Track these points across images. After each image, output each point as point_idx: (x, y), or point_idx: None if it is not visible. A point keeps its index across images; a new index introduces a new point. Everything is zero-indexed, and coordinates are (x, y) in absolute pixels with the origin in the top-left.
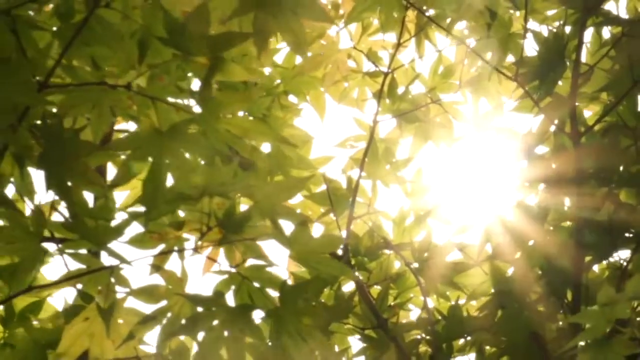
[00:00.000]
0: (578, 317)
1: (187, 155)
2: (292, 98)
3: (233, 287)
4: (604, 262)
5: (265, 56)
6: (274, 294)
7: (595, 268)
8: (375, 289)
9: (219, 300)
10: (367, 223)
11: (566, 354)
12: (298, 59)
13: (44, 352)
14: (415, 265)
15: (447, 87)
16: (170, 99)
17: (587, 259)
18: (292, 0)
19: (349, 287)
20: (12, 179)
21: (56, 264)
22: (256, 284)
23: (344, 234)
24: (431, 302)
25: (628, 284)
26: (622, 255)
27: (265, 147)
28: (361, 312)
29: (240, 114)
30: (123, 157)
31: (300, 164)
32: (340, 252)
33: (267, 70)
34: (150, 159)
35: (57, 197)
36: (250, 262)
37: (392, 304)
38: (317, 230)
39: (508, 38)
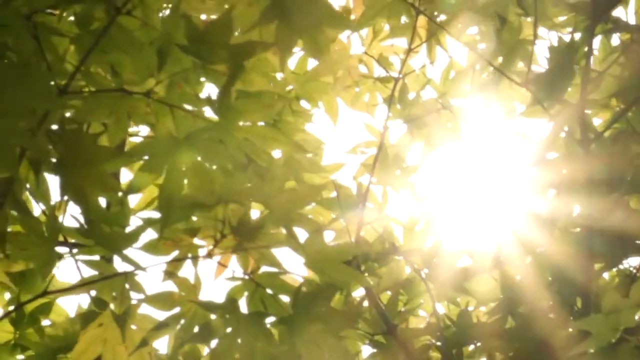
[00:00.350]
0: (584, 324)
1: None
2: (304, 103)
3: (246, 293)
4: (614, 270)
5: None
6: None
7: (606, 275)
8: (386, 295)
9: (232, 307)
10: (378, 229)
11: None
12: (310, 64)
13: (55, 357)
14: (425, 271)
15: (459, 92)
16: (188, 107)
17: (597, 266)
18: (314, 10)
19: (358, 292)
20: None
21: (69, 266)
22: (269, 291)
23: (353, 239)
24: (442, 308)
25: (632, 289)
26: (633, 262)
27: (275, 153)
28: (371, 317)
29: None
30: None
31: (313, 169)
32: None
33: (279, 76)
34: (166, 166)
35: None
36: (264, 269)
37: (402, 309)
38: (327, 236)
39: (518, 44)
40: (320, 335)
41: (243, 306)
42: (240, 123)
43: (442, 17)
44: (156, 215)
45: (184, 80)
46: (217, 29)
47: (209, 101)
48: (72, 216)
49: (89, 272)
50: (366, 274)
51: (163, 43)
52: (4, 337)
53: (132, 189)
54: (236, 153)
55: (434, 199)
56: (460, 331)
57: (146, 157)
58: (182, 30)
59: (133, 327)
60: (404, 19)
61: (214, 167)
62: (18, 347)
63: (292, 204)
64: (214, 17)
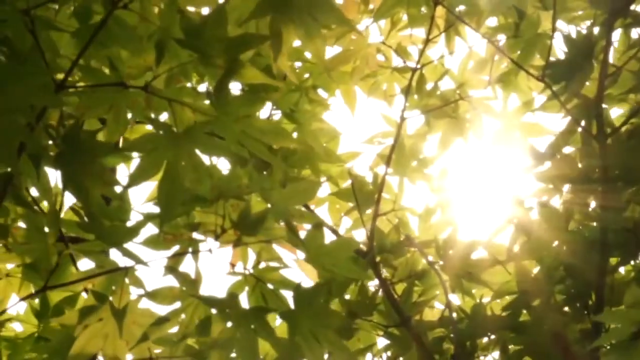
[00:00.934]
0: (603, 317)
1: (203, 157)
2: (321, 92)
3: (247, 288)
4: (630, 264)
5: (282, 59)
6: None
7: (621, 269)
8: (401, 286)
9: (233, 302)
10: (393, 220)
11: (589, 355)
12: (327, 54)
13: None
14: (440, 262)
15: (477, 83)
16: (187, 101)
17: (612, 260)
18: (309, 4)
19: (374, 283)
20: None
21: None
22: (270, 286)
23: (369, 230)
24: (457, 300)
25: None
26: None
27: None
28: (385, 309)
29: (268, 109)
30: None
31: (329, 158)
32: (365, 248)
33: (296, 65)
34: (165, 160)
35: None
36: (264, 263)
37: (417, 301)
38: (343, 224)
39: (536, 37)
40: (321, 332)
41: (244, 301)
42: (239, 116)
43: (460, 8)
44: (157, 209)
45: (183, 74)
46: (212, 22)
47: (207, 95)
48: (73, 210)
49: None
50: (381, 265)
51: (160, 37)
52: (28, 330)
53: (131, 183)
54: (235, 147)
55: (450, 191)
56: (474, 323)
57: (145, 152)
58: (179, 24)
59: (133, 322)
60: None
61: (214, 161)
62: (42, 340)
63: (292, 198)
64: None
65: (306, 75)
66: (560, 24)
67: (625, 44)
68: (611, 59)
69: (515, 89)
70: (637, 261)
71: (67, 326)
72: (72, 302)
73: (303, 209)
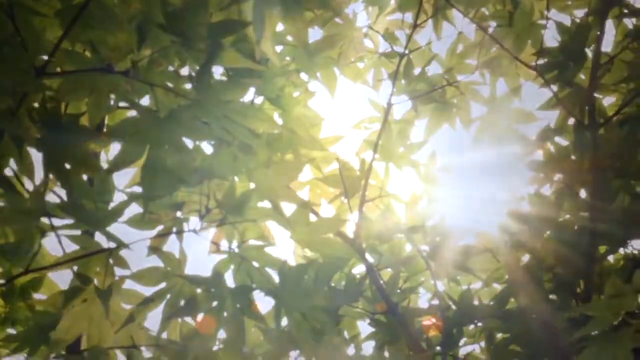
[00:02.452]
0: (586, 308)
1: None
2: (304, 76)
3: (232, 267)
4: (620, 252)
5: (266, 43)
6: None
7: (611, 258)
8: (387, 272)
9: (218, 281)
10: (379, 206)
11: (575, 344)
12: (311, 38)
13: (46, 334)
14: (426, 248)
15: (465, 68)
16: (169, 84)
17: (602, 249)
18: None
19: (359, 269)
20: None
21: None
22: (255, 264)
23: (356, 216)
24: (442, 286)
25: (635, 274)
26: (637, 245)
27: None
28: (371, 295)
29: (251, 95)
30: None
31: (311, 144)
32: (351, 234)
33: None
34: (148, 144)
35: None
36: (250, 242)
37: (402, 287)
38: (327, 211)
39: (529, 27)
40: (309, 310)
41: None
42: (222, 100)
43: None
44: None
45: (164, 57)
46: (193, 6)
47: (189, 78)
48: (54, 193)
49: (73, 247)
50: (367, 251)
51: (142, 20)
52: None
53: (114, 166)
54: (217, 130)
55: (437, 177)
56: (461, 311)
57: (128, 136)
58: (159, 8)
59: (118, 303)
60: None
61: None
62: (9, 321)
63: (277, 178)
64: None
65: (287, 59)
66: (553, 13)
67: (619, 34)
68: (609, 48)
69: (504, 74)
70: (626, 250)
71: (34, 309)
72: (38, 285)
73: None
